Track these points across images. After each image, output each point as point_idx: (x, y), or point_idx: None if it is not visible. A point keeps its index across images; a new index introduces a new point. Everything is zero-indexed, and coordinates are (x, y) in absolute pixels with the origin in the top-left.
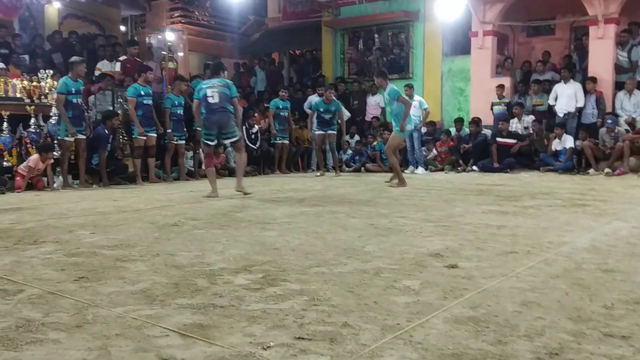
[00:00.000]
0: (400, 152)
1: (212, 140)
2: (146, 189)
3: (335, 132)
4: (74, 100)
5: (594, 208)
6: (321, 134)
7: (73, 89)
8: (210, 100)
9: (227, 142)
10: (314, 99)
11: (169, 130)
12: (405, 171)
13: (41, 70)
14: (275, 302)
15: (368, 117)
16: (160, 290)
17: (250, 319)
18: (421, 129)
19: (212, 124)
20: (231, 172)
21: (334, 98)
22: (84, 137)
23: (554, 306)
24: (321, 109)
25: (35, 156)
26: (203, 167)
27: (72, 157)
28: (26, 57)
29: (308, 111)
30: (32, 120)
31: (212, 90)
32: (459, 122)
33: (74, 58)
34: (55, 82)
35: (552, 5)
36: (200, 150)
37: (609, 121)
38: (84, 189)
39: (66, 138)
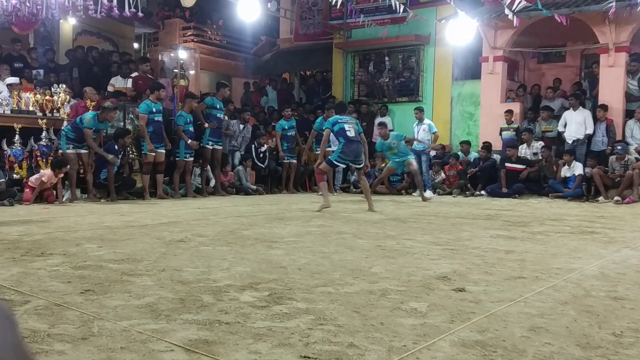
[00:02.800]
0: (408, 174)
1: (342, 163)
2: (154, 204)
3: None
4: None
5: (603, 236)
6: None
7: (94, 128)
8: (348, 133)
9: (354, 167)
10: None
11: (190, 141)
12: (413, 194)
13: (54, 85)
14: (281, 320)
15: (376, 139)
16: (166, 305)
17: (255, 336)
18: (430, 153)
19: (351, 152)
20: (238, 191)
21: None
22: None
23: (562, 332)
24: (324, 127)
25: (48, 171)
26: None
27: (81, 171)
28: (40, 71)
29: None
30: (44, 134)
31: (348, 126)
32: (465, 144)
33: (108, 104)
34: (68, 97)
35: (563, 33)
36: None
37: (619, 147)
38: (92, 202)
39: (68, 151)
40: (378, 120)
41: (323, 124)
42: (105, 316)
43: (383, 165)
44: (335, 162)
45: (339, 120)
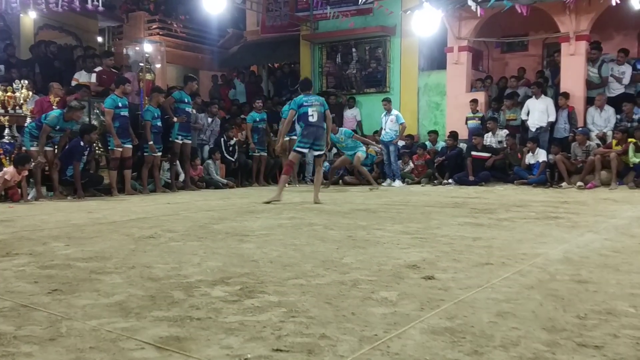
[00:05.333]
0: (378, 165)
1: (304, 148)
2: (122, 201)
3: None
4: (54, 136)
5: (566, 221)
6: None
7: (58, 127)
8: (310, 119)
9: (315, 153)
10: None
11: (151, 143)
12: (383, 184)
13: (16, 81)
14: (253, 314)
15: None
16: (135, 302)
17: (227, 331)
18: (398, 143)
19: (310, 135)
20: (208, 185)
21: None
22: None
23: (528, 317)
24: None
25: (10, 169)
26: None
27: (46, 168)
28: (1, 67)
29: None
30: (6, 131)
31: (312, 109)
32: (432, 133)
33: (74, 103)
34: (30, 93)
35: (525, 22)
36: (179, 162)
37: (580, 129)
38: (59, 200)
39: (32, 148)
40: (346, 111)
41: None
42: (73, 316)
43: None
44: (299, 149)
45: (304, 103)
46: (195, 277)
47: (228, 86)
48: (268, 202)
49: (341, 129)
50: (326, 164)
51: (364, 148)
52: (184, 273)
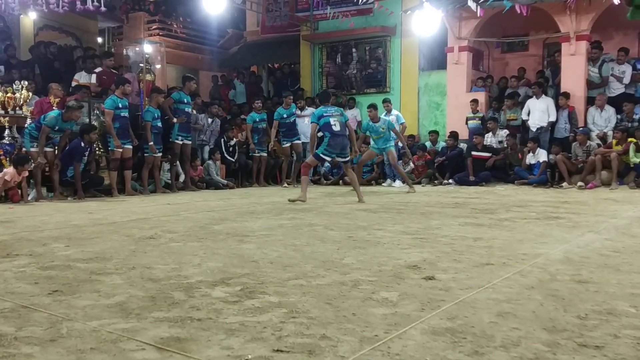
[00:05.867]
0: (378, 165)
1: (329, 157)
2: (122, 201)
3: (300, 142)
4: (53, 136)
5: (567, 221)
6: (287, 147)
7: (57, 127)
8: (334, 127)
9: (340, 160)
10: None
11: (151, 143)
12: (383, 184)
13: (16, 82)
14: (254, 314)
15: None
16: (136, 303)
17: (228, 331)
18: (398, 143)
19: (337, 145)
20: (208, 185)
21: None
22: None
23: (529, 317)
24: (284, 115)
25: (10, 169)
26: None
27: (47, 169)
28: (1, 68)
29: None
30: (7, 132)
31: (333, 119)
32: (433, 133)
33: (72, 103)
34: (30, 94)
35: (525, 22)
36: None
37: (580, 129)
38: (59, 201)
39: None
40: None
41: (282, 113)
42: (74, 317)
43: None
44: (322, 156)
45: (324, 114)
46: (196, 278)
47: (228, 87)
48: (293, 201)
49: (384, 117)
50: (327, 164)
51: (393, 143)
52: (185, 274)
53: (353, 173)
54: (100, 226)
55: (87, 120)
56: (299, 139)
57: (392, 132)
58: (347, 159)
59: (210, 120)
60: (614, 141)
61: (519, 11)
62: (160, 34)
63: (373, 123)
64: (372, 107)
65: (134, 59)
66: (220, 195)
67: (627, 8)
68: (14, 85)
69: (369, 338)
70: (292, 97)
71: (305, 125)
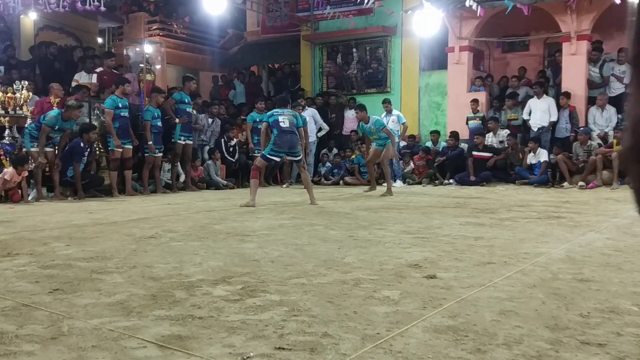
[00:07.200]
0: (378, 165)
1: (276, 157)
2: (122, 201)
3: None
4: (54, 136)
5: (568, 220)
6: None
7: (57, 127)
8: (282, 124)
9: (292, 159)
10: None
11: (151, 143)
12: (383, 184)
13: (16, 82)
14: (255, 312)
15: (346, 131)
16: (137, 302)
17: (229, 329)
18: (399, 143)
19: (284, 144)
20: (209, 185)
21: (301, 114)
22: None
23: (531, 315)
24: None
25: (10, 169)
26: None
27: (47, 169)
28: (1, 68)
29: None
30: (7, 132)
31: (282, 117)
32: (435, 134)
33: (72, 102)
34: (30, 94)
35: (526, 22)
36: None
37: (582, 128)
38: (59, 201)
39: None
40: (347, 112)
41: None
42: (75, 315)
43: (355, 154)
44: (269, 156)
45: (275, 113)
46: (197, 277)
47: (228, 87)
48: (242, 206)
49: (373, 117)
50: (328, 164)
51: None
52: (186, 272)
53: (306, 173)
54: (100, 226)
55: (87, 120)
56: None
57: (383, 132)
58: (299, 157)
59: (210, 120)
60: (615, 141)
61: (520, 7)
62: (161, 34)
63: (364, 124)
64: (359, 108)
65: (134, 59)
66: (220, 195)
67: None
68: (14, 86)
69: (371, 336)
70: (300, 108)
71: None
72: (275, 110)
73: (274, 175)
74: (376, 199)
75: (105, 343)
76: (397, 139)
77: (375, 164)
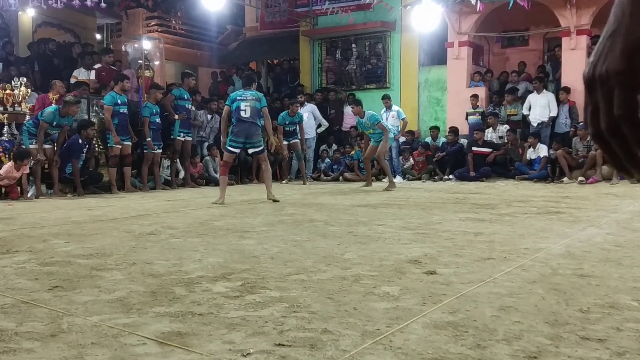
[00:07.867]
0: (377, 160)
1: (236, 148)
2: (122, 198)
3: (297, 141)
4: (52, 132)
5: (568, 215)
6: (285, 144)
7: (55, 123)
8: (242, 114)
9: (250, 151)
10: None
11: (149, 139)
12: (383, 180)
13: (15, 78)
14: (255, 309)
15: (345, 127)
16: (137, 298)
17: (229, 326)
18: (399, 139)
19: (241, 132)
20: (208, 182)
21: (299, 111)
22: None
23: (531, 310)
24: (287, 122)
25: (9, 164)
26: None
27: (46, 166)
28: None
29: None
30: (5, 129)
31: (245, 104)
32: (434, 129)
33: (70, 98)
34: (29, 91)
35: (525, 17)
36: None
37: (581, 123)
38: (58, 198)
39: (31, 146)
40: (346, 107)
41: (287, 118)
42: (74, 312)
43: (355, 150)
44: (230, 149)
45: (238, 97)
46: (196, 273)
47: (227, 83)
48: (214, 203)
49: (369, 112)
50: (328, 160)
51: (390, 136)
52: (185, 269)
53: (268, 167)
54: (100, 222)
55: (86, 117)
56: (296, 137)
57: (378, 127)
58: (259, 149)
59: (209, 116)
60: None
61: (521, 4)
62: (159, 30)
63: (360, 119)
64: (354, 102)
65: (133, 55)
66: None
67: None
68: (13, 82)
69: (371, 332)
70: (297, 106)
71: (304, 122)
72: (239, 92)
73: (274, 172)
74: (376, 195)
75: (105, 340)
76: (397, 135)
77: (376, 160)
